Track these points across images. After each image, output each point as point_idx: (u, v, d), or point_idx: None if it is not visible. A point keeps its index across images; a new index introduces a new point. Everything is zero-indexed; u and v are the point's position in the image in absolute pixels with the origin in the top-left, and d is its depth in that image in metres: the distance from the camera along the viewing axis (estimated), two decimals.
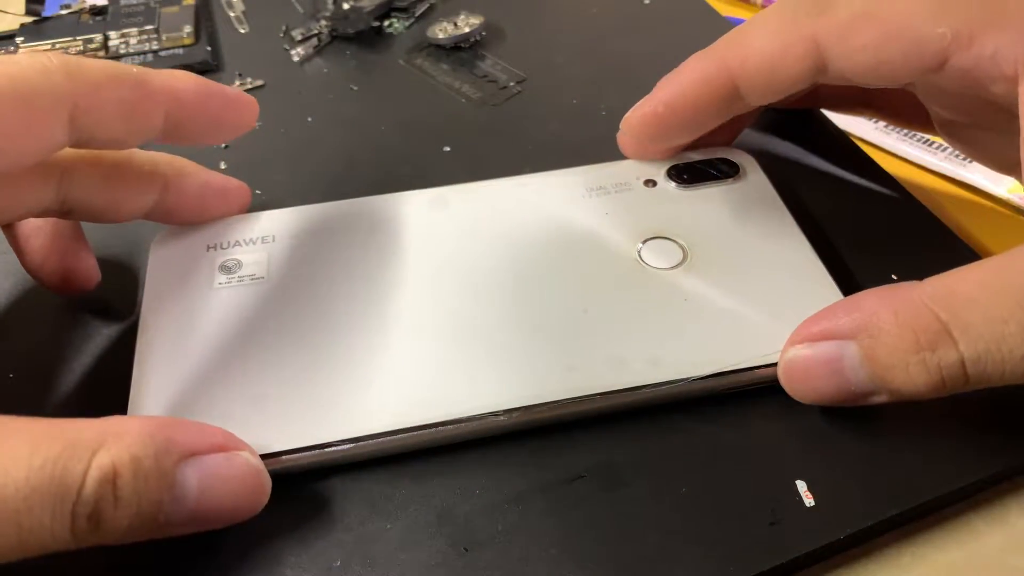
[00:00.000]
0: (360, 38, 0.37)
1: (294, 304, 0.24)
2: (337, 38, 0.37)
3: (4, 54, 0.36)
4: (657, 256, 0.25)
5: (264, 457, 0.20)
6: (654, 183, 0.27)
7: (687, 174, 0.27)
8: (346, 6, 0.38)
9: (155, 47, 0.36)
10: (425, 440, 0.21)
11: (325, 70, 0.36)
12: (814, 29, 0.21)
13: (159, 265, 0.25)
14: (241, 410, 0.21)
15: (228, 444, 0.19)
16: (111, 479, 0.17)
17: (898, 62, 0.21)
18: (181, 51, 0.36)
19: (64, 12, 0.38)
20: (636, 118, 0.25)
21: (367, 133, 0.32)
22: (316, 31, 0.37)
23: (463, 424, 0.21)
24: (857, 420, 0.22)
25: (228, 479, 0.19)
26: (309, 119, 0.33)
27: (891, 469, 0.21)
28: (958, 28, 0.20)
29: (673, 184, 0.27)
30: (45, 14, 0.39)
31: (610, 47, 0.36)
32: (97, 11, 0.38)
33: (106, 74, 0.21)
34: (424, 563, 0.20)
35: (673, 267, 0.25)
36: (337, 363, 0.22)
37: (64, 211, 0.23)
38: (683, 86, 0.23)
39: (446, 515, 0.20)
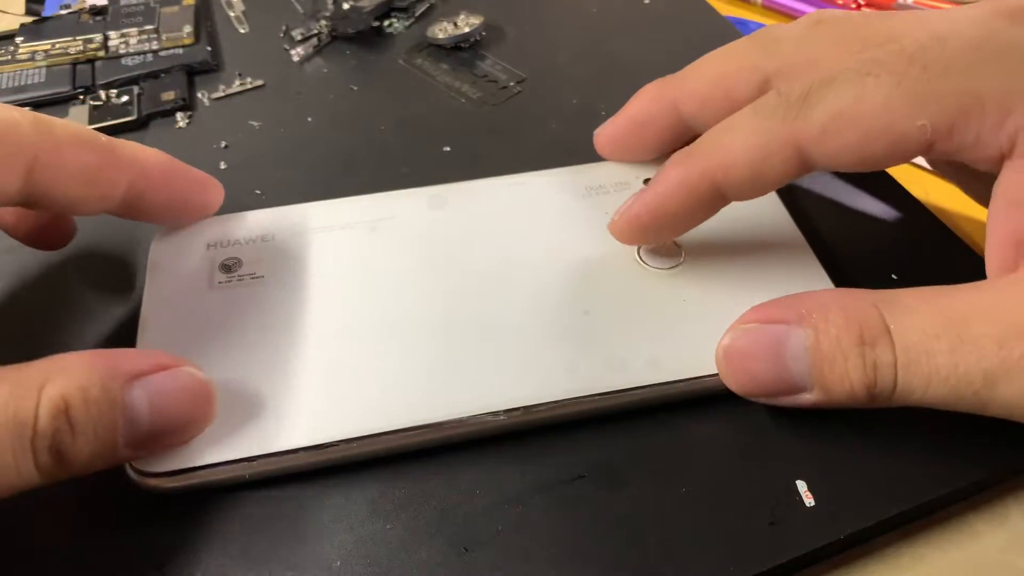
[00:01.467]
0: (360, 38, 0.37)
1: (294, 303, 0.24)
2: (337, 38, 0.37)
3: (7, 55, 0.36)
4: (656, 256, 0.25)
5: (264, 456, 0.20)
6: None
7: None
8: (346, 6, 0.38)
9: (155, 47, 0.36)
10: (424, 440, 0.21)
11: (325, 70, 0.36)
12: (793, 134, 0.21)
13: (159, 263, 0.25)
14: (241, 409, 0.21)
15: (170, 363, 0.20)
16: (63, 410, 0.17)
17: (880, 155, 0.21)
18: (181, 51, 0.36)
19: (64, 12, 0.38)
20: (623, 222, 0.24)
21: (367, 133, 0.32)
22: (316, 31, 0.37)
23: (463, 424, 0.21)
24: (857, 420, 0.22)
25: (176, 392, 0.20)
26: (309, 119, 0.33)
27: (891, 469, 0.21)
28: (937, 120, 0.20)
29: None
30: (45, 14, 0.39)
31: (610, 47, 0.36)
32: (97, 11, 0.38)
33: (73, 134, 0.21)
34: (424, 563, 0.20)
35: (672, 267, 0.25)
36: (336, 362, 0.22)
37: (28, 204, 0.22)
38: (666, 196, 0.23)
39: (446, 515, 0.20)
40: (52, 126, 0.21)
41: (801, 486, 0.21)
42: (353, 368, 0.22)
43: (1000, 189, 0.21)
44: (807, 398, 0.21)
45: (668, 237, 0.24)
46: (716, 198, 0.23)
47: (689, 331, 0.23)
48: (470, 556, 0.20)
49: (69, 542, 0.20)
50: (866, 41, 0.22)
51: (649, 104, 0.26)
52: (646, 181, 0.27)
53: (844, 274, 0.25)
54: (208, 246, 0.25)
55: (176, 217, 0.25)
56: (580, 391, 0.22)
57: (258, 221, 0.26)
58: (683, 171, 0.23)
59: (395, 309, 0.24)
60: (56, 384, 0.18)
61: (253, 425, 0.21)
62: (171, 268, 0.25)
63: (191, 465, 0.20)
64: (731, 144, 0.22)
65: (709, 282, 0.24)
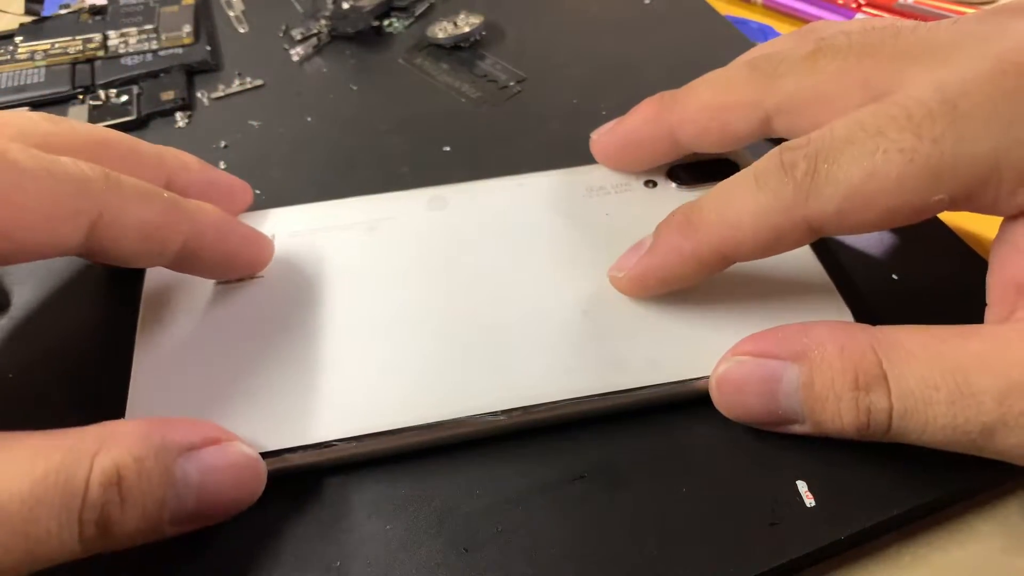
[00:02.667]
0: (360, 38, 0.37)
1: (293, 303, 0.24)
2: (337, 38, 0.37)
3: (6, 54, 0.36)
4: None
5: (264, 456, 0.20)
6: (654, 183, 0.27)
7: (688, 174, 0.27)
8: (346, 5, 0.38)
9: (154, 47, 0.36)
10: (425, 440, 0.21)
11: (325, 70, 0.36)
12: (807, 215, 0.21)
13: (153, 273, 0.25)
14: (241, 409, 0.21)
15: (220, 436, 0.20)
16: (115, 481, 0.17)
17: (898, 223, 0.21)
18: (180, 51, 0.36)
19: (63, 12, 0.38)
20: (627, 281, 0.24)
21: (367, 133, 0.32)
22: (316, 31, 0.37)
23: (462, 424, 0.21)
24: None
25: (225, 469, 0.19)
26: (309, 119, 0.33)
27: (892, 469, 0.21)
28: (954, 192, 0.20)
29: (674, 184, 0.27)
30: (44, 14, 0.39)
31: (610, 47, 0.36)
32: (96, 11, 0.38)
33: (140, 192, 0.21)
34: (424, 563, 0.20)
35: None
36: (336, 362, 0.22)
37: (85, 255, 0.21)
38: (672, 266, 0.23)
39: (446, 515, 0.20)
40: (120, 183, 0.20)
41: (802, 486, 0.21)
42: (352, 369, 0.22)
43: (1008, 234, 0.21)
44: (799, 429, 0.21)
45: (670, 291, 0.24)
46: (723, 264, 0.22)
47: (688, 332, 0.23)
48: (470, 556, 0.20)
49: None
50: (867, 84, 0.21)
51: (645, 125, 0.26)
52: (647, 183, 0.27)
53: (845, 274, 0.25)
54: None
55: (224, 274, 0.24)
56: (580, 391, 0.22)
57: (257, 222, 0.26)
58: (691, 245, 0.22)
59: (394, 310, 0.24)
60: (110, 453, 0.17)
61: (252, 424, 0.21)
62: (168, 276, 0.25)
63: None
64: (740, 222, 0.21)
65: (708, 283, 0.24)
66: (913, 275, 0.23)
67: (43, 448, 0.17)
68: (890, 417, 0.19)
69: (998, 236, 0.21)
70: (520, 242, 0.26)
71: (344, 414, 0.21)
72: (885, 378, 0.19)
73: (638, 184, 0.27)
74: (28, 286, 0.26)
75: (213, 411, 0.21)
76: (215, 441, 0.19)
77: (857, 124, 0.20)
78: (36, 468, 0.16)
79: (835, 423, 0.20)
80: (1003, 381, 0.18)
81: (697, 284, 0.23)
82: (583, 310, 0.24)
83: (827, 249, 0.26)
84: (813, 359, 0.20)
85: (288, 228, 0.26)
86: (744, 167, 0.25)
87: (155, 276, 0.25)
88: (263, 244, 0.25)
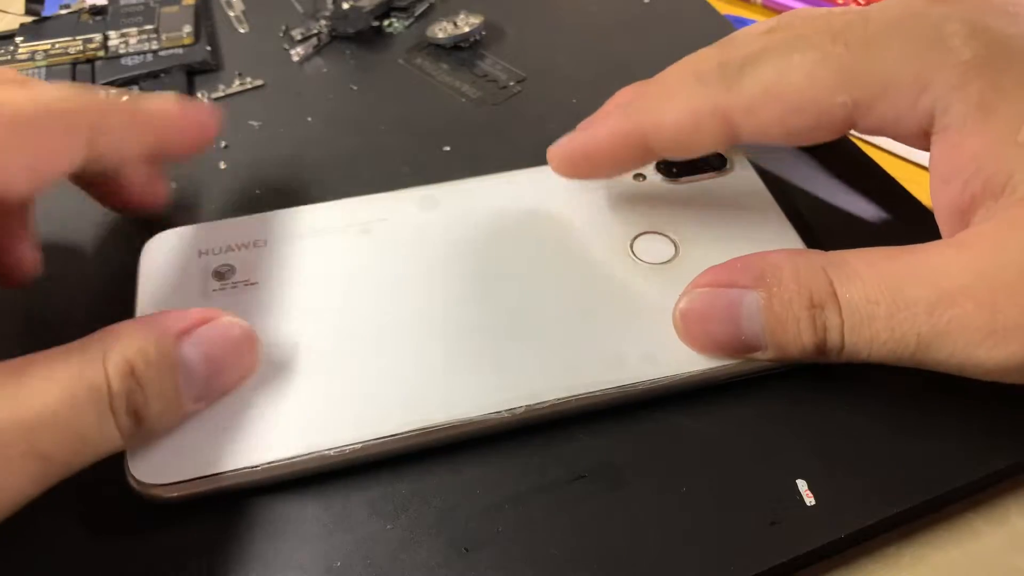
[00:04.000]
0: (360, 38, 0.37)
1: (289, 309, 0.24)
2: (337, 38, 0.37)
3: (7, 55, 0.36)
4: (649, 251, 0.25)
5: (263, 467, 0.20)
6: (643, 177, 0.27)
7: (676, 167, 0.27)
8: (345, 6, 0.38)
9: (155, 47, 0.36)
10: (424, 442, 0.21)
11: (325, 70, 0.36)
12: (723, 104, 0.22)
13: (150, 272, 0.25)
14: (240, 418, 0.21)
15: (209, 315, 0.21)
16: (129, 372, 0.19)
17: (804, 129, 0.22)
18: (181, 51, 0.36)
19: (63, 12, 0.38)
20: (556, 158, 0.26)
21: (367, 133, 0.32)
22: (316, 31, 0.37)
23: (462, 426, 0.21)
24: (858, 419, 0.22)
25: (223, 341, 0.21)
26: (309, 119, 0.33)
27: (891, 468, 0.21)
28: (857, 97, 0.21)
29: (661, 177, 0.27)
30: (44, 14, 0.39)
31: (610, 47, 0.36)
32: (97, 11, 0.38)
33: (130, 107, 0.23)
34: (424, 563, 0.20)
35: (666, 262, 0.25)
36: (334, 368, 0.22)
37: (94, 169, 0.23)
38: (598, 140, 0.25)
39: (446, 515, 0.20)
40: (92, 91, 0.23)
41: (802, 485, 0.21)
42: (349, 374, 0.22)
43: (931, 166, 0.22)
44: (762, 355, 0.22)
45: (595, 176, 0.26)
46: (644, 152, 0.24)
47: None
48: (470, 556, 0.20)
49: (71, 558, 0.20)
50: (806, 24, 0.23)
51: (615, 137, 0.25)
52: (636, 176, 0.27)
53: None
54: (200, 253, 0.25)
55: (193, 147, 0.26)
56: (578, 389, 0.22)
57: (249, 227, 0.26)
58: (617, 122, 0.24)
59: (389, 313, 0.24)
60: (117, 351, 0.19)
61: (253, 434, 0.21)
62: (163, 277, 0.25)
63: (193, 476, 0.20)
64: (666, 107, 0.23)
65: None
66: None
67: (58, 364, 0.19)
68: (842, 333, 0.20)
69: (930, 171, 0.22)
70: (513, 240, 0.26)
71: (342, 421, 0.21)
72: (835, 296, 0.20)
73: (627, 178, 0.27)
74: (21, 293, 0.26)
75: (211, 421, 0.21)
76: (206, 319, 0.21)
77: (791, 33, 0.22)
78: (62, 379, 0.18)
79: (796, 343, 0.21)
80: (933, 291, 0.19)
81: (618, 171, 0.25)
82: (579, 307, 0.24)
83: (818, 242, 0.26)
84: (770, 283, 0.21)
85: (280, 233, 0.26)
86: (731, 160, 0.26)
87: (147, 285, 0.25)
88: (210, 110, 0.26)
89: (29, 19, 0.39)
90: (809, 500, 0.20)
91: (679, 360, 0.22)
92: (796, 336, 0.21)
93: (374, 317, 0.24)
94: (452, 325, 0.23)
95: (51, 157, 0.21)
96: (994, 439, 0.21)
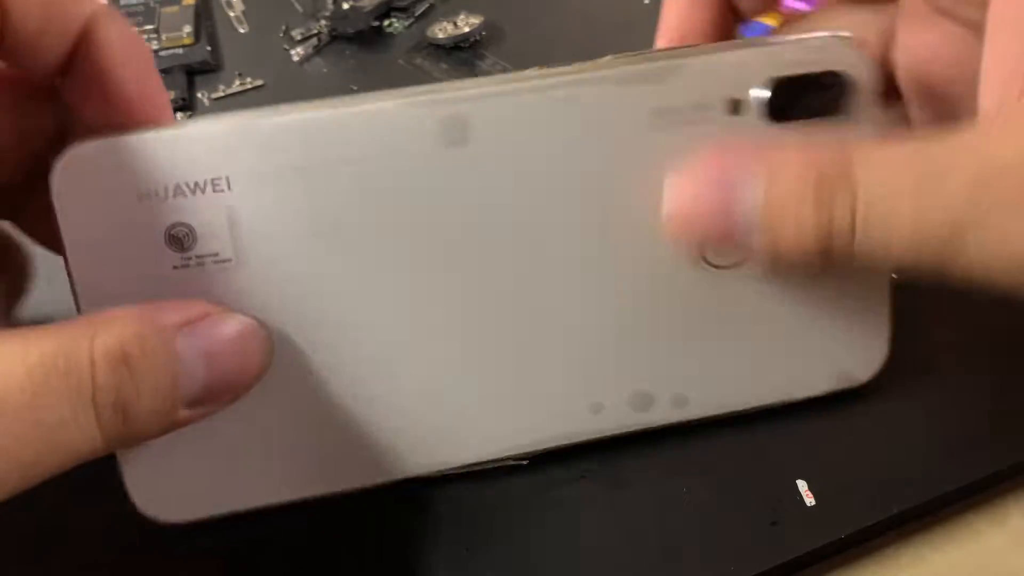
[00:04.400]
0: (360, 38, 0.37)
1: (276, 305, 0.19)
2: (337, 38, 0.37)
3: None
4: (719, 252, 0.20)
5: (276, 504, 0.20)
6: (739, 106, 0.19)
7: (789, 103, 0.19)
8: (346, 6, 0.38)
9: (155, 47, 0.36)
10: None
11: (325, 70, 0.36)
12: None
13: (77, 228, 0.18)
14: (255, 444, 0.19)
15: (212, 311, 0.18)
16: (121, 359, 0.16)
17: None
18: (181, 51, 0.36)
19: None
20: None
21: None
22: (316, 31, 0.37)
23: (476, 466, 0.21)
24: (859, 419, 0.22)
25: (227, 340, 0.18)
26: None
27: (891, 469, 0.21)
28: None
29: (762, 113, 0.19)
30: None
31: (610, 47, 0.36)
32: None
33: None
34: (425, 563, 0.20)
35: (734, 267, 0.20)
36: (328, 405, 0.20)
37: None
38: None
39: (448, 515, 0.20)
40: None
41: (801, 485, 0.21)
42: (359, 407, 0.20)
43: (990, 16, 0.18)
44: (759, 239, 0.18)
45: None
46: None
47: (727, 360, 0.21)
48: (471, 556, 0.20)
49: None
50: None
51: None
52: (731, 103, 0.19)
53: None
54: (140, 197, 0.18)
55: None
56: (602, 432, 0.21)
57: (201, 150, 0.18)
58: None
59: (392, 315, 0.19)
60: (110, 333, 0.16)
61: (255, 474, 0.20)
62: (96, 239, 0.18)
63: (202, 516, 0.20)
64: None
65: (772, 294, 0.20)
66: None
67: (32, 338, 0.15)
68: (853, 224, 0.17)
69: (988, 27, 0.18)
70: (549, 210, 0.19)
71: (354, 464, 0.20)
72: (852, 178, 0.17)
73: (719, 105, 0.19)
74: None
75: (217, 445, 0.19)
76: (207, 314, 0.18)
77: None
78: (30, 355, 0.15)
79: (797, 234, 0.17)
80: (975, 170, 0.16)
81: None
82: (616, 324, 0.20)
83: None
84: (775, 167, 0.18)
85: (247, 166, 0.18)
86: (864, 99, 0.20)
87: (80, 251, 0.18)
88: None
89: None
90: (809, 500, 0.20)
91: (709, 404, 0.21)
92: (797, 222, 0.17)
93: (378, 325, 0.19)
94: (472, 341, 0.20)
95: None
96: (994, 440, 0.21)
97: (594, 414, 0.21)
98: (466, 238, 0.19)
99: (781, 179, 0.18)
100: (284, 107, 0.18)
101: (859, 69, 0.19)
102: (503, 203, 0.19)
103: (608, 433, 0.21)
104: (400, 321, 0.19)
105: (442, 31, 0.36)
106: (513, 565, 0.19)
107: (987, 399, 0.21)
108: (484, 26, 0.37)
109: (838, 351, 0.21)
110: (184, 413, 0.17)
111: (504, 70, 0.35)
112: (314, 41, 0.37)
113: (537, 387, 0.20)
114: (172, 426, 0.17)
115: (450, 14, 0.37)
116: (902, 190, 0.16)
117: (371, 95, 0.19)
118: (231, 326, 0.18)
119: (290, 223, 0.18)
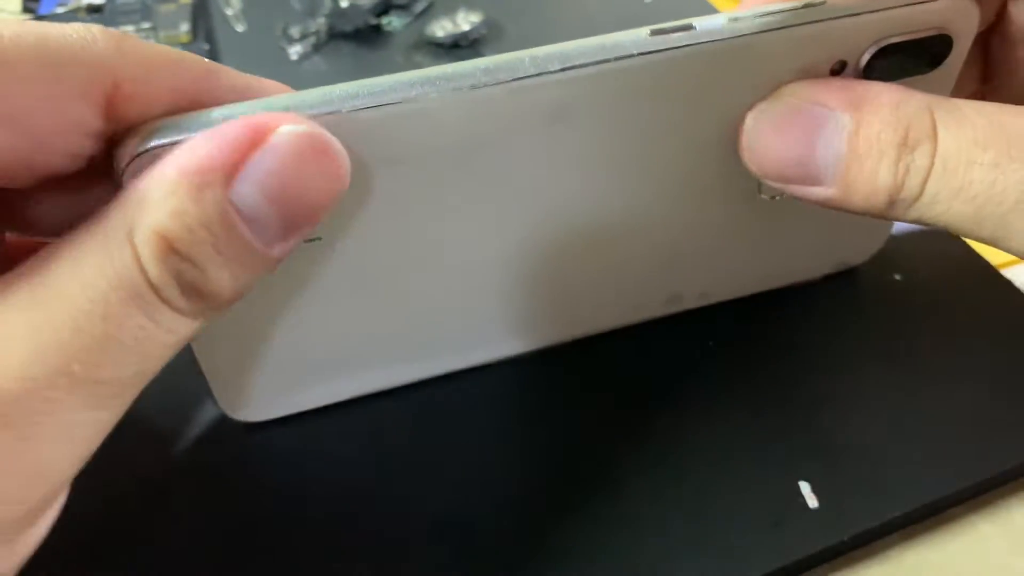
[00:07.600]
0: (358, 36, 0.37)
1: (361, 276, 0.20)
2: (335, 36, 0.37)
3: None
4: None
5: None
6: (844, 66, 0.19)
7: (889, 62, 0.20)
8: (344, 4, 0.37)
9: None
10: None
11: (323, 68, 0.36)
12: None
13: None
14: (330, 345, 0.21)
15: (256, 131, 0.15)
16: (168, 248, 0.14)
17: None
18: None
19: (60, 10, 0.38)
20: None
21: None
22: (314, 29, 0.37)
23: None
24: (861, 421, 0.22)
25: (286, 168, 0.15)
26: None
27: (894, 470, 0.21)
28: None
29: (860, 74, 0.20)
30: (41, 12, 0.38)
31: None
32: (94, 9, 0.38)
33: (166, 57, 0.17)
34: (427, 563, 0.19)
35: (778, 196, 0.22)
36: (385, 304, 0.21)
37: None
38: None
39: (449, 515, 0.20)
40: (138, 46, 0.16)
41: (804, 487, 0.20)
42: (433, 306, 0.21)
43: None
44: (821, 192, 0.19)
45: None
46: None
47: (745, 259, 0.24)
48: (475, 553, 0.20)
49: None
50: None
51: None
52: (837, 64, 0.19)
53: (849, 273, 0.25)
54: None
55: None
56: (631, 321, 0.24)
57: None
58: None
59: (456, 235, 0.20)
60: (144, 223, 0.14)
61: (348, 370, 0.22)
62: None
63: (284, 414, 0.22)
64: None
65: (790, 208, 0.22)
66: (915, 275, 0.23)
67: (78, 260, 0.14)
68: (925, 180, 0.18)
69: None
70: (651, 143, 0.20)
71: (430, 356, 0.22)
72: (935, 136, 0.18)
73: (824, 70, 0.19)
74: None
75: (293, 347, 0.21)
76: (255, 141, 0.15)
77: None
78: (86, 281, 0.14)
79: (868, 184, 0.18)
80: None
81: None
82: (674, 242, 0.22)
83: None
84: (866, 111, 0.18)
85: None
86: (958, 43, 0.20)
87: None
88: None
89: (26, 18, 0.39)
90: (812, 502, 0.20)
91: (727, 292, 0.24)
92: (872, 175, 0.18)
93: (435, 246, 0.20)
94: (531, 249, 0.21)
95: (38, 114, 0.15)
96: (997, 441, 0.21)
97: (635, 310, 0.24)
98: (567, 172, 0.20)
99: (867, 129, 0.18)
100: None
101: (966, 30, 0.19)
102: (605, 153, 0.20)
103: (634, 321, 0.24)
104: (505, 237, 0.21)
105: (441, 29, 0.36)
106: (514, 564, 0.19)
107: (989, 400, 0.21)
108: (483, 24, 0.36)
109: (841, 245, 0.24)
110: (275, 252, 0.16)
111: None
112: (312, 39, 0.37)
113: (613, 287, 0.23)
114: (265, 270, 0.16)
115: (449, 11, 0.37)
116: (979, 158, 0.17)
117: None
118: (283, 150, 0.15)
119: (376, 199, 0.19)
